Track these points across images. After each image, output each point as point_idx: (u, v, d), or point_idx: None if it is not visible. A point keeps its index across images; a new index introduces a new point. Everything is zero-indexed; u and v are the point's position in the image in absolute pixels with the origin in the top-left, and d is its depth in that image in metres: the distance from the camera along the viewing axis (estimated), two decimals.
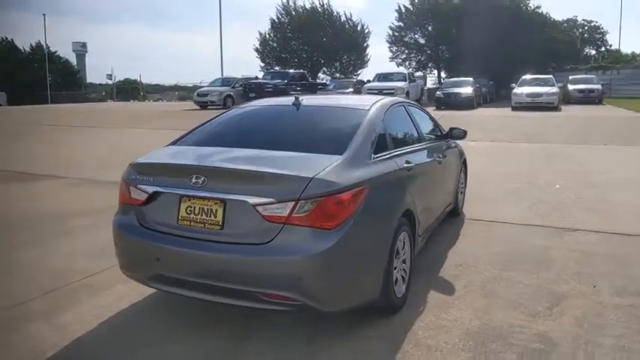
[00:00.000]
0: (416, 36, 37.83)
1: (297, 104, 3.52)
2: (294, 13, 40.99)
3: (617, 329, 2.90)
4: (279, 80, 24.74)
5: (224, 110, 3.89)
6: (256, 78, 28.39)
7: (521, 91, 20.78)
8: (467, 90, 22.43)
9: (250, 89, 24.22)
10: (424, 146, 4.01)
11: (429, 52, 37.46)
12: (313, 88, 26.85)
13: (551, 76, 22.78)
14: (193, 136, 3.39)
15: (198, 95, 25.75)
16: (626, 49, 41.69)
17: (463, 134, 4.75)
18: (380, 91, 22.17)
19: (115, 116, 21.99)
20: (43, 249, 4.59)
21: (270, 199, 2.46)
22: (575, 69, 31.95)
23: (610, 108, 20.81)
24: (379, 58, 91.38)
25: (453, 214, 5.29)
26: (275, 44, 42.47)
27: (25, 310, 3.31)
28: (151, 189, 2.78)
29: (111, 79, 55.53)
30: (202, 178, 2.61)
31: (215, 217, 2.59)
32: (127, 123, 18.19)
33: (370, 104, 3.48)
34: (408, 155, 3.47)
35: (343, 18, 41.34)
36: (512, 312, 3.14)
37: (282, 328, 2.95)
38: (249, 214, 2.50)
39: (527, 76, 22.46)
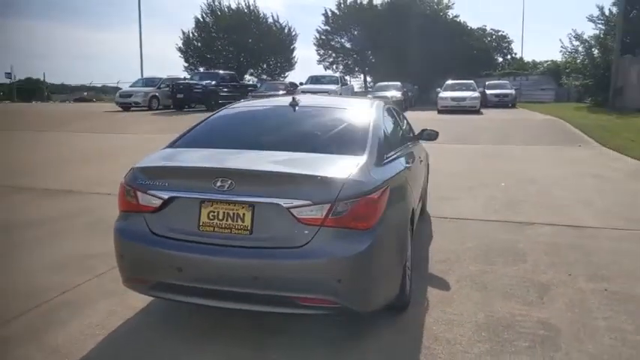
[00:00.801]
0: (342, 40, 38.67)
1: (294, 105, 3.47)
2: (219, 12, 40.14)
3: (603, 312, 3.19)
4: (209, 81, 24.10)
5: (216, 111, 3.73)
6: (184, 78, 27.46)
7: (446, 95, 21.98)
8: (396, 94, 23.26)
9: (178, 90, 23.37)
10: (410, 146, 4.14)
11: (355, 56, 38.41)
12: (244, 90, 26.49)
13: (472, 81, 24.29)
14: (194, 138, 3.23)
15: (121, 96, 24.39)
16: (528, 58, 45.32)
17: (435, 135, 4.95)
18: (314, 94, 22.48)
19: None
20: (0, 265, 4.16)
21: (306, 202, 2.41)
22: (489, 75, 34.29)
23: (525, 111, 22.61)
24: (307, 60, 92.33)
25: (422, 212, 5.49)
26: (199, 44, 41.33)
27: (7, 332, 2.97)
28: (166, 194, 2.60)
29: (10, 77, 50.73)
30: (229, 182, 2.50)
31: (243, 221, 2.49)
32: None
33: (368, 105, 3.53)
34: (405, 155, 3.57)
35: (270, 20, 41.23)
36: (509, 302, 3.33)
37: (298, 332, 2.91)
38: (282, 217, 2.44)
39: (451, 82, 23.78)
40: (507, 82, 28.80)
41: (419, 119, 20.32)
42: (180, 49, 41.06)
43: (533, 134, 13.77)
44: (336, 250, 2.41)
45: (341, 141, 3.07)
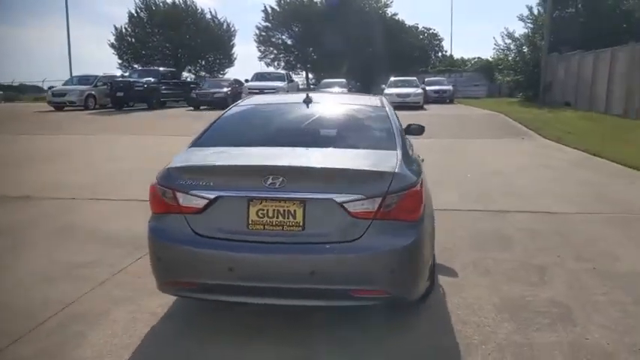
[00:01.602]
0: (283, 37, 38.64)
1: (309, 101, 3.50)
2: (154, 7, 38.69)
3: (598, 288, 3.51)
4: (150, 78, 23.25)
5: (228, 109, 3.66)
6: (122, 76, 26.24)
7: (392, 91, 22.59)
8: (343, 91, 23.63)
9: (118, 88, 22.37)
10: (407, 140, 4.30)
11: (296, 53, 38.50)
12: (186, 87, 25.80)
13: (415, 78, 25.17)
14: (219, 136, 3.18)
15: (54, 95, 22.88)
16: (457, 55, 47.49)
17: (421, 130, 5.14)
18: (261, 91, 22.23)
19: None
20: None
21: (359, 196, 2.47)
22: (426, 72, 35.69)
23: (464, 107, 23.77)
24: (248, 57, 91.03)
25: None
26: (133, 40, 39.67)
27: (25, 351, 2.78)
28: (212, 194, 2.55)
29: None
30: (280, 179, 2.50)
31: (295, 218, 2.50)
32: None
33: (378, 101, 3.65)
34: (412, 148, 3.72)
35: (208, 15, 40.34)
36: (515, 285, 3.57)
37: (329, 327, 2.95)
38: (334, 212, 2.48)
39: (394, 78, 24.51)
40: (445, 78, 30.12)
41: None
42: (112, 46, 39.24)
43: (480, 128, 14.55)
44: (388, 242, 2.50)
45: (371, 136, 3.16)
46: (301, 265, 2.48)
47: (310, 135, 3.24)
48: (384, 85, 24.26)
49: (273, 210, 2.52)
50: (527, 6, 30.23)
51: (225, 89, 23.80)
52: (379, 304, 2.65)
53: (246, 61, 73.03)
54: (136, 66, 36.55)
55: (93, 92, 23.34)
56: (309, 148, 2.91)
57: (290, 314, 3.01)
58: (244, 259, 2.52)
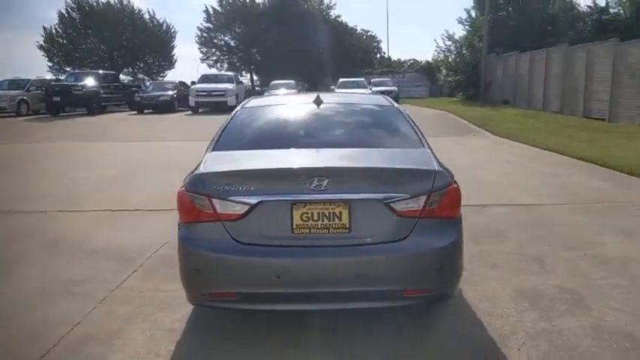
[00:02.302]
0: (226, 38, 37.95)
1: (319, 102, 3.44)
2: (87, 8, 36.73)
3: (597, 273, 3.74)
4: (88, 82, 22.06)
5: (236, 111, 3.52)
6: (58, 80, 24.71)
7: (342, 92, 22.86)
8: (293, 92, 23.61)
9: (54, 92, 21.01)
10: None
11: (240, 54, 37.97)
12: (127, 91, 24.72)
13: (363, 79, 25.60)
14: (239, 139, 3.08)
15: None
16: (394, 57, 48.68)
17: None
18: (209, 93, 21.81)
19: None
20: None
21: (405, 195, 2.47)
22: (370, 73, 36.37)
23: (410, 107, 24.26)
24: (191, 59, 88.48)
25: None
26: (65, 41, 37.47)
27: None
28: (254, 199, 2.45)
29: None
30: (326, 181, 2.45)
31: (340, 220, 2.46)
32: None
33: (387, 100, 3.69)
34: None
35: (146, 16, 38.88)
36: (522, 275, 3.73)
37: (363, 330, 2.94)
38: (380, 212, 2.47)
39: (343, 79, 24.78)
40: (389, 79, 30.86)
41: None
42: (42, 47, 36.83)
43: (433, 126, 14.97)
44: (435, 240, 2.53)
45: (395, 134, 3.18)
46: (350, 267, 2.45)
47: (335, 135, 3.21)
48: (333, 86, 24.49)
49: (318, 213, 2.47)
50: (465, 9, 31.65)
51: (170, 92, 23.04)
52: (418, 303, 2.67)
53: (188, 63, 71.06)
54: (68, 69, 34.54)
55: (25, 97, 21.76)
56: (342, 149, 2.89)
57: (319, 319, 2.97)
58: (291, 264, 2.46)
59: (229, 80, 23.62)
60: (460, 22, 27.64)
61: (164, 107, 21.84)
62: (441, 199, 2.55)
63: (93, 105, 21.58)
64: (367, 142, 3.04)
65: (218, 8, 36.61)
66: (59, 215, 5.76)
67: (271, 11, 35.07)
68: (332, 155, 2.81)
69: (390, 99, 3.85)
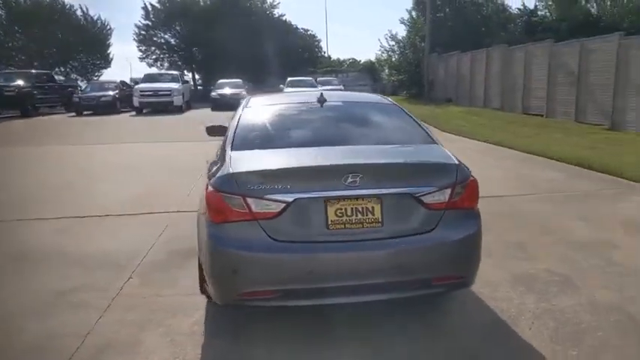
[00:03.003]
0: (166, 36, 36.76)
1: (322, 100, 3.49)
2: (13, 3, 34.26)
3: (578, 256, 4.08)
4: (21, 82, 20.63)
5: (241, 111, 3.48)
6: None
7: (291, 90, 22.88)
8: (241, 91, 23.39)
9: None
10: None
11: (181, 52, 36.91)
12: (64, 92, 23.39)
13: (311, 78, 25.76)
14: (257, 138, 3.09)
15: None
16: (334, 56, 49.01)
17: None
18: (155, 93, 21.11)
19: None
20: None
21: (432, 188, 2.61)
22: (314, 72, 36.63)
23: None
24: (127, 57, 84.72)
25: None
26: None
27: None
28: (290, 197, 2.48)
29: None
30: (359, 176, 2.52)
31: (373, 214, 2.55)
32: None
33: (385, 98, 3.84)
34: None
35: (79, 13, 36.85)
36: (512, 261, 4.00)
37: (385, 324, 3.05)
38: (411, 205, 2.59)
39: (292, 78, 24.83)
40: (335, 78, 31.27)
41: None
42: None
43: None
44: (459, 230, 2.68)
45: (407, 131, 3.30)
46: (384, 260, 2.56)
47: (352, 133, 3.29)
48: (282, 85, 24.48)
49: (352, 208, 2.54)
50: (407, 9, 32.68)
51: (112, 92, 22.03)
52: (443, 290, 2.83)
53: (125, 61, 67.93)
54: None
55: None
56: (365, 146, 2.99)
57: (343, 314, 3.04)
58: (329, 259, 2.52)
59: (174, 79, 22.96)
60: (402, 22, 28.50)
61: (106, 108, 20.86)
62: (463, 191, 2.71)
63: (27, 106, 20.25)
64: (385, 139, 3.16)
65: (157, 5, 35.35)
66: (22, 224, 5.43)
67: (213, 9, 34.36)
68: (360, 152, 2.90)
69: (387, 97, 3.99)
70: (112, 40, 40.26)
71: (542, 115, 15.69)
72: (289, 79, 24.67)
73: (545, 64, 15.58)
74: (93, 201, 6.38)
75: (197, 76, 38.84)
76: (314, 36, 46.10)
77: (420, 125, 3.37)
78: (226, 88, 23.68)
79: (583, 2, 30.46)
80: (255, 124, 3.32)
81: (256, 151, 2.91)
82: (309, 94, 3.74)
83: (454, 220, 2.67)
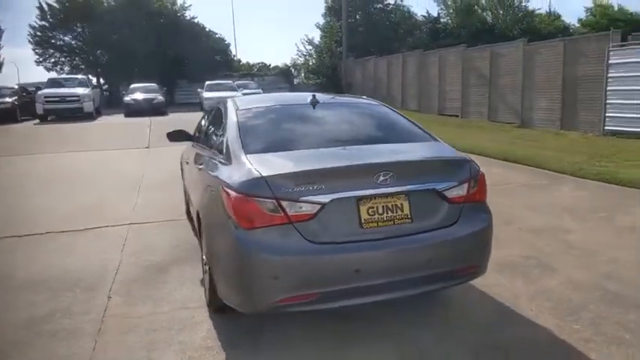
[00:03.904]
0: (66, 38, 33.94)
1: (315, 102, 3.48)
2: None
3: (539, 242, 4.46)
4: None
5: (234, 114, 3.33)
6: None
7: (212, 95, 22.18)
8: (157, 95, 22.40)
9: None
10: None
11: (84, 55, 34.30)
12: None
13: (231, 81, 25.25)
14: (266, 141, 3.01)
15: None
16: (243, 60, 48.21)
17: None
18: (63, 99, 19.50)
19: None
20: None
21: (453, 183, 2.74)
22: (230, 75, 35.94)
23: None
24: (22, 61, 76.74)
25: None
26: None
27: None
28: (326, 198, 2.47)
29: None
30: (390, 174, 2.57)
31: (402, 210, 2.62)
32: None
33: (371, 99, 3.95)
34: None
35: None
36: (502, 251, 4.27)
37: (394, 321, 3.12)
38: (435, 200, 2.70)
39: (211, 82, 24.16)
40: (252, 82, 31.01)
41: (192, 120, 19.68)
42: None
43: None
44: (477, 221, 2.84)
45: (407, 130, 3.39)
46: (418, 255, 2.63)
47: (360, 133, 3.34)
48: (200, 89, 23.77)
49: (382, 206, 2.59)
50: (322, 14, 33.27)
51: (9, 99, 19.89)
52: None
53: (20, 65, 61.35)
54: None
55: None
56: (382, 145, 3.07)
57: (361, 315, 3.07)
58: (366, 258, 2.54)
59: (82, 84, 21.29)
60: (318, 27, 29.03)
61: (3, 116, 18.82)
62: (476, 185, 2.88)
63: None
64: (394, 138, 3.24)
65: (55, 5, 32.48)
66: None
67: (119, 9, 32.35)
68: (382, 151, 2.96)
69: (371, 99, 4.09)
70: (3, 42, 36.15)
71: (457, 116, 16.84)
72: (208, 82, 23.98)
73: (459, 68, 16.75)
74: (27, 218, 5.79)
75: (102, 81, 36.34)
76: (223, 39, 45.22)
77: (415, 123, 3.50)
78: (140, 92, 22.49)
79: (480, 11, 33.19)
80: (258, 127, 3.24)
81: (277, 154, 2.84)
82: (297, 96, 3.73)
83: (471, 212, 2.83)
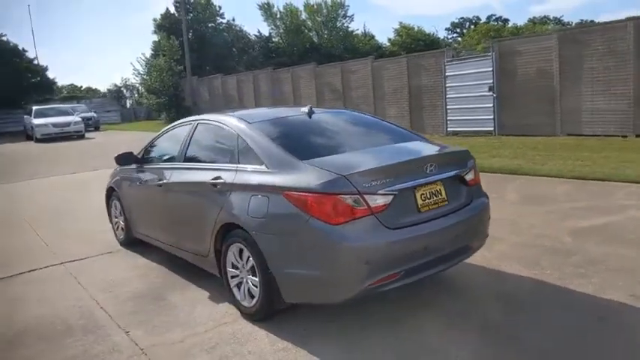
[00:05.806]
0: None
1: (311, 113, 3.85)
2: None
3: (525, 219, 5.43)
4: None
5: (244, 130, 3.46)
6: None
7: (44, 121, 19.76)
8: (73, 119, 19.52)
9: None
10: None
11: None
12: None
13: (68, 106, 22.75)
14: (308, 149, 3.29)
15: None
16: (67, 82, 43.60)
17: None
18: None
19: None
20: None
21: (467, 169, 3.38)
22: (51, 99, 32.01)
23: (128, 133, 23.26)
24: None
25: None
26: None
27: None
28: (396, 189, 2.89)
29: None
30: (434, 165, 3.11)
31: (441, 195, 3.16)
32: None
33: (349, 108, 4.45)
34: None
35: None
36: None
37: (409, 307, 3.57)
38: (459, 184, 3.32)
39: (40, 107, 21.41)
40: (83, 105, 28.29)
41: (29, 153, 17.06)
42: None
43: None
44: (481, 199, 3.50)
45: (398, 130, 3.95)
46: (455, 231, 3.17)
47: (371, 136, 3.82)
48: (27, 116, 20.90)
49: (429, 192, 3.11)
50: (152, 32, 31.93)
51: None
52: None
53: None
54: None
55: None
56: (401, 143, 3.60)
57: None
58: (430, 237, 3.00)
59: None
60: (157, 46, 27.81)
61: None
62: (475, 170, 3.57)
63: None
64: (401, 138, 3.74)
65: None
66: None
67: None
68: (412, 148, 3.51)
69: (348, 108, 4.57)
70: None
71: None
72: (35, 107, 21.18)
73: (312, 84, 18.00)
74: None
75: None
76: (31, 60, 39.76)
77: (403, 127, 4.11)
78: (53, 116, 19.46)
79: (307, 32, 35.77)
80: (285, 137, 3.42)
81: (330, 157, 3.13)
82: (292, 109, 4.03)
83: (477, 193, 3.51)
